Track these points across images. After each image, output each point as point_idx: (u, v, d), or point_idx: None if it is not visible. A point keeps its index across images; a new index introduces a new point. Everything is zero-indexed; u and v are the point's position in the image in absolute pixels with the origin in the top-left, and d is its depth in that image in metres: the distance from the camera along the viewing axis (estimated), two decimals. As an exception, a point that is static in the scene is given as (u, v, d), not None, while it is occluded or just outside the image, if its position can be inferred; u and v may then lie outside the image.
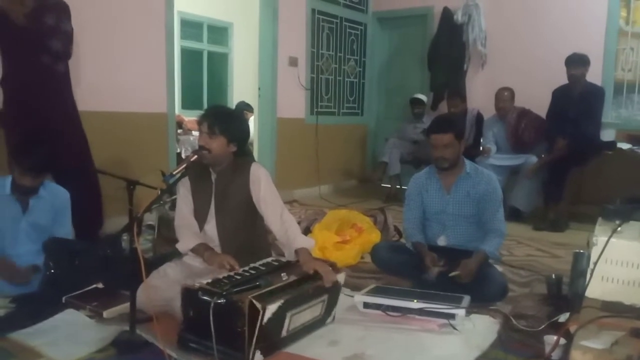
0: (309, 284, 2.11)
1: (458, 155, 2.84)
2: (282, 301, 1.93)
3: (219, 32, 8.24)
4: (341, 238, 3.50)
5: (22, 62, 2.97)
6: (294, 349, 2.06)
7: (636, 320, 1.63)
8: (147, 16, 4.23)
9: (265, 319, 1.86)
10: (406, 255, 2.91)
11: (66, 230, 2.74)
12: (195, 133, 5.46)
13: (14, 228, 2.60)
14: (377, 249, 3.11)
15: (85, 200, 3.04)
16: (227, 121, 2.38)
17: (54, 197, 2.69)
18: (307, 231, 3.65)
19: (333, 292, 2.25)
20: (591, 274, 1.87)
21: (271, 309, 1.88)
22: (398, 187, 5.73)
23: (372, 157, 6.97)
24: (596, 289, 1.88)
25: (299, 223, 3.56)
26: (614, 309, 1.76)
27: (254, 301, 1.84)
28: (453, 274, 2.58)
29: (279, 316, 1.94)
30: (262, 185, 2.39)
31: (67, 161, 3.01)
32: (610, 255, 1.86)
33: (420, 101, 5.88)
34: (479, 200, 2.81)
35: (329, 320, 2.31)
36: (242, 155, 2.51)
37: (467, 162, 2.91)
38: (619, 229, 1.91)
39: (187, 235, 2.44)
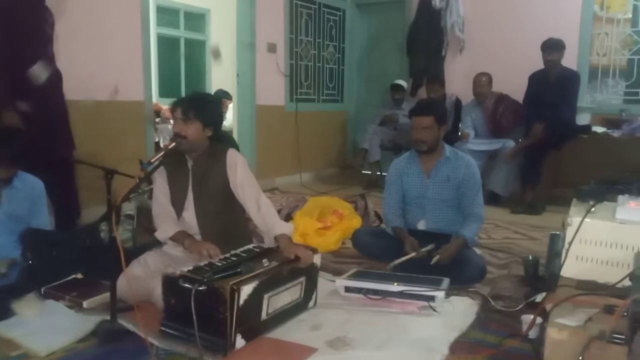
0: (285, 266, 2.13)
1: (437, 140, 2.86)
2: (256, 282, 1.94)
3: (196, 19, 8.12)
4: (322, 224, 3.52)
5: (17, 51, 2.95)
6: (276, 333, 2.07)
7: (609, 297, 1.67)
8: (122, 2, 4.14)
9: (242, 301, 1.87)
10: (386, 240, 2.94)
11: (43, 220, 2.70)
12: (174, 121, 5.39)
13: (-11, 220, 2.55)
14: (358, 234, 3.14)
15: (63, 190, 3.01)
16: (200, 105, 2.37)
17: (29, 187, 2.64)
18: (288, 218, 3.66)
19: (310, 273, 2.26)
20: (566, 254, 1.91)
21: (246, 290, 1.89)
22: (378, 173, 5.76)
23: (352, 144, 6.98)
24: (571, 268, 1.92)
25: (279, 211, 3.58)
26: (588, 288, 1.81)
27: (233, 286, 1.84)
28: (434, 260, 2.62)
29: (256, 298, 1.95)
30: (239, 171, 2.38)
31: (51, 152, 3.01)
32: (585, 235, 1.89)
33: (400, 87, 5.90)
34: (458, 184, 2.85)
35: (310, 304, 2.32)
36: (218, 140, 2.49)
37: (447, 146, 2.94)
38: (593, 209, 1.95)
39: (166, 223, 2.43)
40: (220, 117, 2.58)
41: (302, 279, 2.21)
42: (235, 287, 1.85)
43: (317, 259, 2.31)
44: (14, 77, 2.95)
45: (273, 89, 5.82)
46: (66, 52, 3.44)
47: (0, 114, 2.92)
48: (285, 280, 2.11)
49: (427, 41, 5.93)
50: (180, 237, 2.36)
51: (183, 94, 7.22)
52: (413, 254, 2.67)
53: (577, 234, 1.88)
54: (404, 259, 2.67)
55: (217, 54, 6.32)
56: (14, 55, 2.94)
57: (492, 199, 4.69)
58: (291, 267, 2.15)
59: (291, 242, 2.31)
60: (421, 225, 2.91)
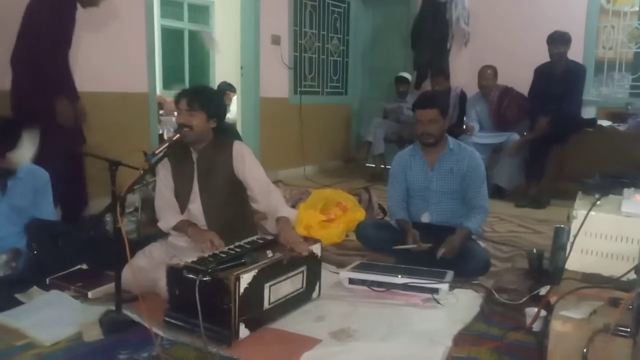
0: (285, 255, 2.13)
1: (443, 132, 2.86)
2: (256, 271, 1.95)
3: (200, 11, 8.10)
4: (326, 217, 3.52)
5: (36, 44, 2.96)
6: (279, 324, 2.08)
7: (614, 290, 1.66)
8: (126, -7, 4.14)
9: (242, 290, 1.88)
10: (390, 233, 2.93)
11: (48, 211, 2.71)
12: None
13: (-7, 211, 2.56)
14: (361, 226, 3.13)
15: (73, 183, 3.02)
16: (205, 96, 2.38)
17: (33, 178, 2.64)
18: (292, 210, 3.65)
19: (311, 263, 2.27)
20: (571, 247, 1.91)
21: (246, 278, 1.90)
22: (382, 166, 5.75)
23: (356, 137, 6.97)
24: (576, 261, 1.91)
25: (283, 202, 3.57)
26: (593, 281, 1.80)
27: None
28: (439, 254, 2.60)
29: (256, 287, 1.96)
30: (247, 161, 2.39)
31: (63, 145, 3.02)
32: (590, 228, 1.88)
33: (405, 80, 5.89)
34: (462, 176, 2.84)
35: (314, 295, 2.33)
36: (221, 132, 2.50)
37: (450, 139, 2.93)
38: (598, 202, 1.94)
39: (168, 213, 2.44)
40: (224, 109, 2.59)
41: (303, 268, 2.22)
42: (235, 276, 1.85)
43: (317, 249, 2.31)
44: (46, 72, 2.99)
45: (277, 81, 5.81)
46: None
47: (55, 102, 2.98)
48: (285, 269, 2.12)
49: (432, 34, 5.89)
50: (184, 226, 2.36)
51: (187, 86, 7.22)
52: (413, 246, 2.66)
53: (583, 227, 1.88)
54: (404, 247, 2.67)
55: (210, 42, 6.30)
56: (40, 50, 2.97)
57: (497, 192, 4.68)
58: (290, 256, 2.15)
59: (290, 226, 2.31)
60: (425, 218, 2.91)
